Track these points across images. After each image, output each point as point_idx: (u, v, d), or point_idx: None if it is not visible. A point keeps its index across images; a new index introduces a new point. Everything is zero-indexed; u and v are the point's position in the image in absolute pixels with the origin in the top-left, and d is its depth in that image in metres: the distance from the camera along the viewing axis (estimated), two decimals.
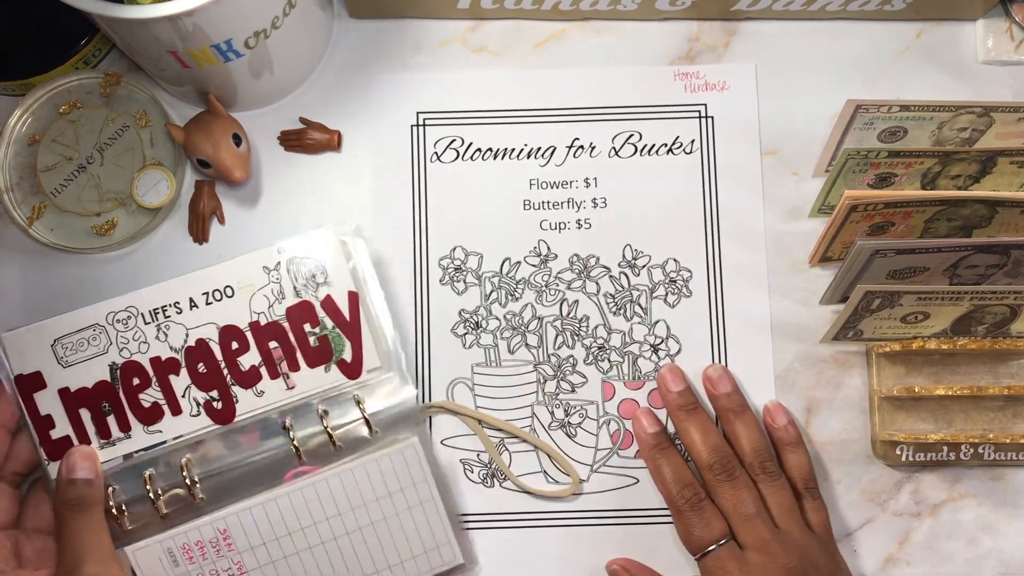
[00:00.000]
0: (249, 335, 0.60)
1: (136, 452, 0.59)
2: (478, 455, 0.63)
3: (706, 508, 0.58)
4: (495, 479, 0.62)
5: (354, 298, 0.60)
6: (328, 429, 0.59)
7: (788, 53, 0.66)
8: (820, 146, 0.65)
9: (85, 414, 0.59)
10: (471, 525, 0.62)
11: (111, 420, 0.59)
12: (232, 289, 0.60)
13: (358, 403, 0.60)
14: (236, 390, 0.60)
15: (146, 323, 0.59)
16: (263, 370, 0.60)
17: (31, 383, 0.58)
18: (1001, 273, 0.59)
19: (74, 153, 0.64)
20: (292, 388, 0.60)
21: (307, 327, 0.60)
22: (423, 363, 0.63)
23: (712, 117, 0.65)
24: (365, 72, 0.66)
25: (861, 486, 0.63)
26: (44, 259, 0.64)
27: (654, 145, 0.65)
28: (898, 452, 0.61)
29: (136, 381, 0.59)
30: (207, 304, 0.60)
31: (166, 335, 0.59)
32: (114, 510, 0.58)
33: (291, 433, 0.59)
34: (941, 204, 0.57)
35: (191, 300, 0.60)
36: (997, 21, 0.66)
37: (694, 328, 0.64)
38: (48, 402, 0.58)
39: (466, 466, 0.63)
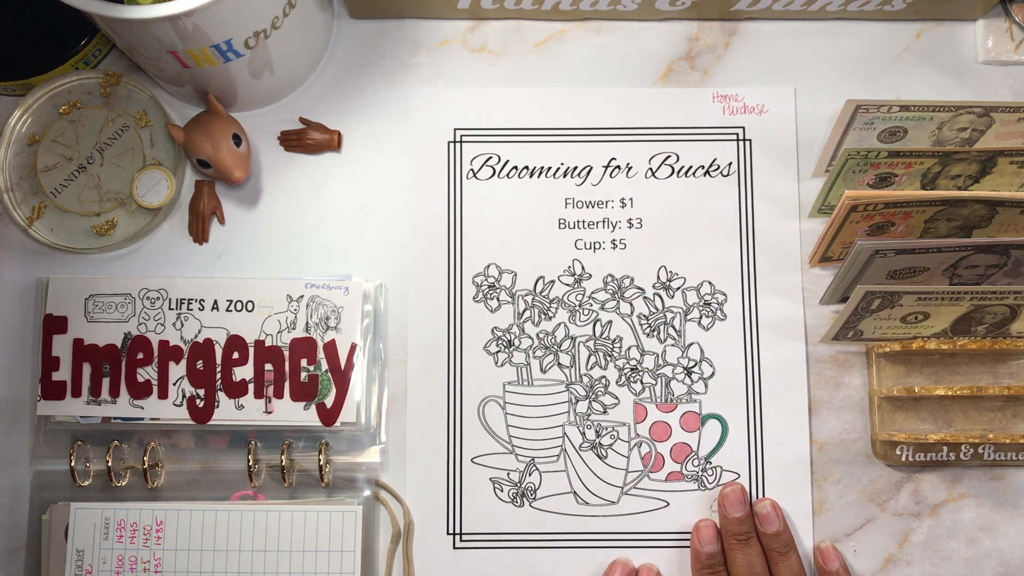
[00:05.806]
0: (251, 351, 0.62)
1: (115, 419, 0.62)
2: (508, 474, 0.62)
3: None
4: (524, 499, 0.62)
5: (354, 350, 0.62)
6: (284, 463, 0.60)
7: (788, 53, 0.66)
8: (820, 146, 0.65)
9: (86, 368, 0.62)
10: (500, 544, 0.62)
11: (106, 382, 0.62)
12: (253, 304, 0.62)
13: (321, 450, 0.61)
14: (221, 396, 0.62)
15: (170, 308, 0.63)
16: (251, 386, 0.62)
17: (56, 325, 0.62)
18: (1001, 273, 0.59)
19: (74, 153, 0.64)
20: (270, 413, 0.62)
21: (304, 362, 0.62)
22: (455, 380, 0.63)
23: (750, 140, 0.65)
24: (365, 72, 0.66)
25: (861, 486, 0.63)
26: (44, 259, 0.64)
27: (691, 167, 0.65)
28: (898, 452, 0.61)
29: (140, 355, 0.62)
30: (227, 310, 0.62)
31: (182, 324, 0.63)
32: (77, 462, 0.61)
33: (253, 454, 0.61)
34: (941, 204, 0.57)
35: (215, 302, 0.63)
36: (997, 21, 0.66)
37: (728, 352, 0.63)
38: (62, 346, 0.62)
39: (496, 485, 0.62)
